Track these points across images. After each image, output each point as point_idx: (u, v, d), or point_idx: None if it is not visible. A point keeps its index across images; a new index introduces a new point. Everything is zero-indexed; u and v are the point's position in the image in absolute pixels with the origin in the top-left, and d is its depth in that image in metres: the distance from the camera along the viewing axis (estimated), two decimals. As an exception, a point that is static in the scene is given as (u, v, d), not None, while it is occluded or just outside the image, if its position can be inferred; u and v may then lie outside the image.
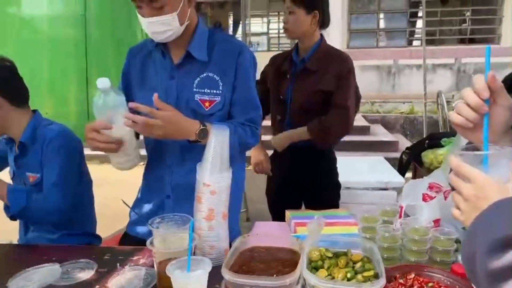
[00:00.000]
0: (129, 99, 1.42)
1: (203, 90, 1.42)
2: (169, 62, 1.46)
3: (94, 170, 1.97)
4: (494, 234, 0.55)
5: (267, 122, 2.24)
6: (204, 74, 1.43)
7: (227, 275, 1.03)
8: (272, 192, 2.28)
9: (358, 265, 1.14)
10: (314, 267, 1.15)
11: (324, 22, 2.08)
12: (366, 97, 6.47)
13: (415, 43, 10.71)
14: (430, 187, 1.48)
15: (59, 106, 2.82)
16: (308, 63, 2.05)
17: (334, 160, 2.20)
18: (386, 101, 8.64)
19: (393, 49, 10.07)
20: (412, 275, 1.12)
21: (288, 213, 1.61)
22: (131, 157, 1.39)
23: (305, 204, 2.21)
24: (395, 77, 9.67)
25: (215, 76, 1.44)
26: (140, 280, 1.14)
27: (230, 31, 11.69)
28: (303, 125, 2.05)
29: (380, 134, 7.22)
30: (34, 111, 1.72)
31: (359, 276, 1.09)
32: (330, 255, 1.19)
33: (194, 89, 1.42)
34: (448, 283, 1.09)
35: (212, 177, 1.20)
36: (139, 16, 1.36)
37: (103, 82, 1.24)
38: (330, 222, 1.43)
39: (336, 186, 2.20)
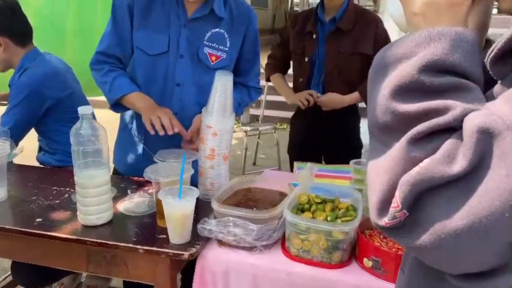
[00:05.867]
0: (126, 32, 1.48)
1: (212, 44, 1.49)
2: (182, 10, 1.47)
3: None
4: (436, 55, 0.48)
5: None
6: (217, 29, 1.49)
7: (215, 205, 1.15)
8: (293, 150, 2.33)
9: (342, 211, 1.22)
10: (300, 209, 1.24)
11: None
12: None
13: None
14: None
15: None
16: (341, 23, 2.02)
17: (357, 119, 2.20)
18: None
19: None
20: (392, 225, 1.17)
21: (296, 164, 1.69)
22: None
23: (325, 162, 2.25)
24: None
25: (225, 33, 1.50)
26: (145, 205, 1.29)
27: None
28: (338, 87, 2.06)
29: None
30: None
31: (338, 220, 1.17)
32: (318, 200, 1.27)
33: (205, 42, 1.49)
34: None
35: (215, 120, 1.30)
36: None
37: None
38: (326, 174, 1.51)
39: (357, 146, 2.21)
